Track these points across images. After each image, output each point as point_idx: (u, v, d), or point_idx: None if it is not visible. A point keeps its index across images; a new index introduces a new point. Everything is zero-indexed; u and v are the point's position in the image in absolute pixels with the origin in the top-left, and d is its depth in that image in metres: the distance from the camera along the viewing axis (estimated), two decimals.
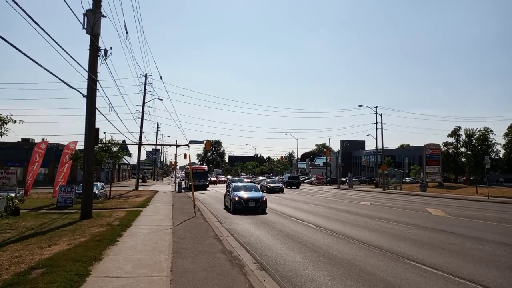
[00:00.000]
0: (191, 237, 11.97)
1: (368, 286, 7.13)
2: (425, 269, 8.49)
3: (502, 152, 65.71)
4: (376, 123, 56.57)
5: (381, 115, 56.41)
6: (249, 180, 54.53)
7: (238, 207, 20.48)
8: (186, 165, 42.95)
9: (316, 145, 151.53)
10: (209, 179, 56.01)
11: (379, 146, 57.53)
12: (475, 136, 63.00)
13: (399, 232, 13.84)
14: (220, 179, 78.46)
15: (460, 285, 7.26)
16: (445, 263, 9.02)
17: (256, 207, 20.51)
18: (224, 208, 22.71)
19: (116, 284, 6.73)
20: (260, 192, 23.19)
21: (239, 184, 25.49)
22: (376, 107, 56.39)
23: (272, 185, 44.75)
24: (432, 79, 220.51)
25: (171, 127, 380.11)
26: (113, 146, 30.43)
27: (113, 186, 36.04)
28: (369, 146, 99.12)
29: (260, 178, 72.32)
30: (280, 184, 47.26)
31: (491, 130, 62.52)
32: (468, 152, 63.83)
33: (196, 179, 44.54)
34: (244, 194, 21.21)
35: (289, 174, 67.22)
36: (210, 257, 9.08)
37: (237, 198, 20.77)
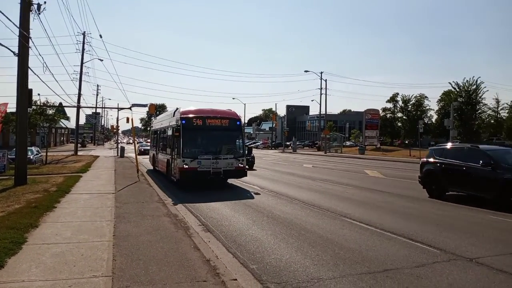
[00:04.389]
0: (134, 201, 11.79)
1: (308, 243, 7.49)
2: (360, 225, 9.06)
3: (434, 117, 70.42)
4: (321, 88, 57.93)
5: (325, 80, 57.86)
6: None
7: None
8: (154, 122, 26.05)
9: (262, 110, 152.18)
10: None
11: (323, 111, 59.17)
12: (411, 102, 66.69)
13: (338, 193, 14.57)
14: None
15: (391, 240, 7.84)
16: (379, 219, 9.66)
17: None
18: None
19: (54, 251, 6.51)
20: None
21: None
22: (321, 72, 57.58)
23: None
24: (382, 47, 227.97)
25: (113, 90, 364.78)
26: (48, 108, 28.70)
27: (50, 151, 34.17)
28: (314, 111, 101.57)
29: None
30: None
31: (426, 96, 66.65)
32: (404, 117, 67.60)
33: (212, 146, 15.65)
34: None
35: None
36: (155, 221, 9.03)
37: None
